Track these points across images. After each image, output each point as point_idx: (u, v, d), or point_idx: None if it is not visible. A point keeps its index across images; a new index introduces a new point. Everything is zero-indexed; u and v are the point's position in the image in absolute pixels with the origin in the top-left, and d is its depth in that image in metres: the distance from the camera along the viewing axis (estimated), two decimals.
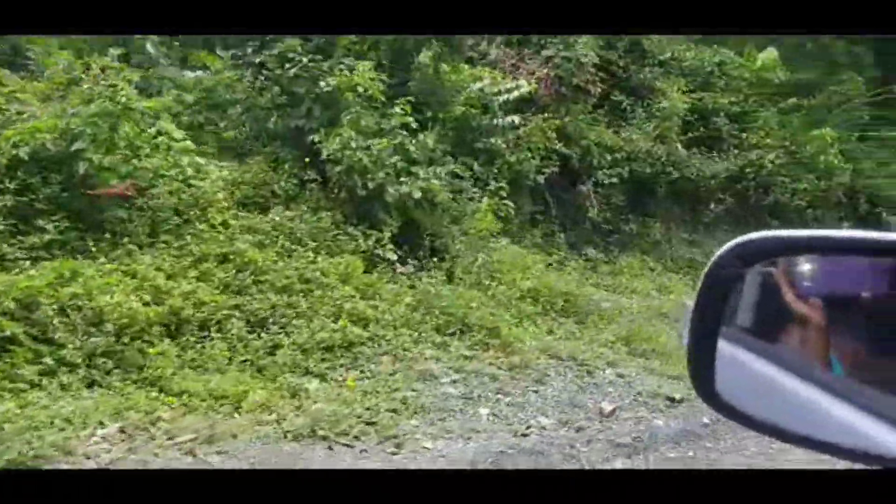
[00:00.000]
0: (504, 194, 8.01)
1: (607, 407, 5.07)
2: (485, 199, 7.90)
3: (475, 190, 8.03)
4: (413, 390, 4.97)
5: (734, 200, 10.60)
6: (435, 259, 6.96)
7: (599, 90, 9.58)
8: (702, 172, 10.39)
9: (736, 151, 10.73)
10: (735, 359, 1.11)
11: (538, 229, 9.26)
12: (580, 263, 9.17)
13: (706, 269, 1.06)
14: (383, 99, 7.21)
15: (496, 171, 8.23)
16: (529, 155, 8.39)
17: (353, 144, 6.68)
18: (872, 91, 12.26)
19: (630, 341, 6.81)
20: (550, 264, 8.84)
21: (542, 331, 6.35)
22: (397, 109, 7.15)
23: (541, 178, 8.83)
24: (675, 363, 6.55)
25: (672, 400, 5.44)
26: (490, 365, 5.49)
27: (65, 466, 3.59)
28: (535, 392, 5.18)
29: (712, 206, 10.44)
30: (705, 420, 5.11)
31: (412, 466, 3.95)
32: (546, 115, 8.89)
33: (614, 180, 9.67)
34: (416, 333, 5.74)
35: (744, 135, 10.82)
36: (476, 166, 8.23)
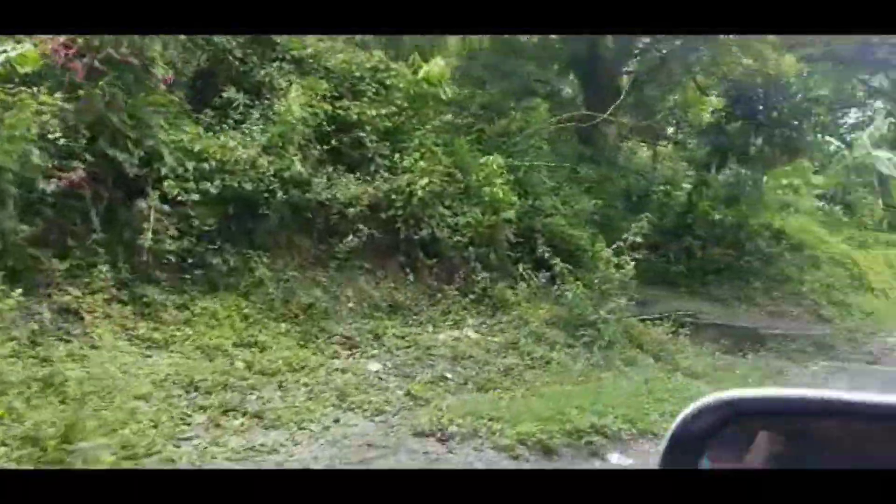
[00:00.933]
0: None
1: None
2: None
3: None
4: None
5: (379, 232, 8.57)
6: None
7: (171, 76, 7.11)
8: (334, 196, 8.26)
9: (386, 174, 8.77)
10: None
11: (68, 259, 6.49)
12: (123, 309, 6.53)
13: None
14: None
15: None
16: (9, 147, 5.62)
17: None
18: (563, 120, 11.09)
19: None
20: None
21: None
22: None
23: (49, 186, 6.10)
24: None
25: None
26: None
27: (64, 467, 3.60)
28: None
29: (350, 237, 8.30)
30: None
31: None
32: (65, 93, 6.20)
33: (195, 197, 7.17)
34: None
35: (397, 155, 8.90)
36: None
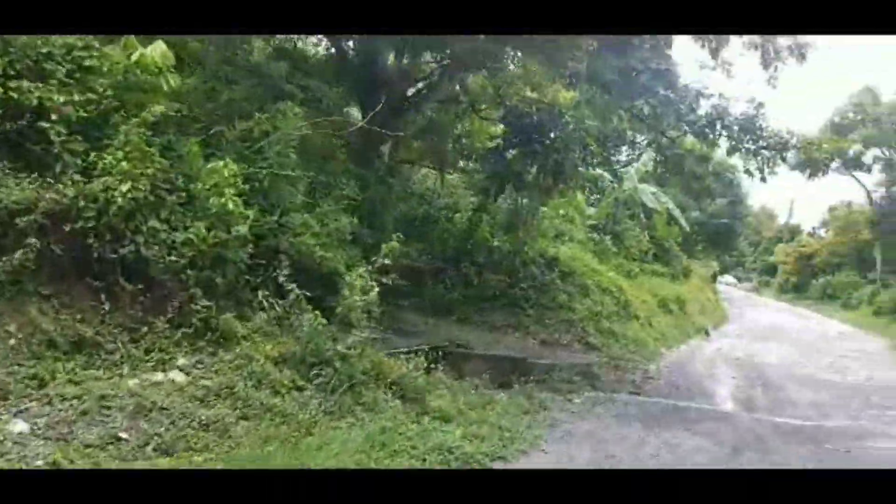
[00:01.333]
0: None
1: None
2: None
3: None
4: None
5: (63, 248, 6.71)
6: None
7: None
8: None
9: (77, 176, 6.96)
10: None
11: None
12: None
13: None
14: None
15: None
16: None
17: None
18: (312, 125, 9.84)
19: None
20: None
21: None
22: None
23: None
24: None
25: None
26: None
27: (64, 467, 3.69)
28: None
29: (17, 254, 6.38)
30: None
31: None
32: None
33: None
34: None
35: (94, 154, 7.12)
36: None
